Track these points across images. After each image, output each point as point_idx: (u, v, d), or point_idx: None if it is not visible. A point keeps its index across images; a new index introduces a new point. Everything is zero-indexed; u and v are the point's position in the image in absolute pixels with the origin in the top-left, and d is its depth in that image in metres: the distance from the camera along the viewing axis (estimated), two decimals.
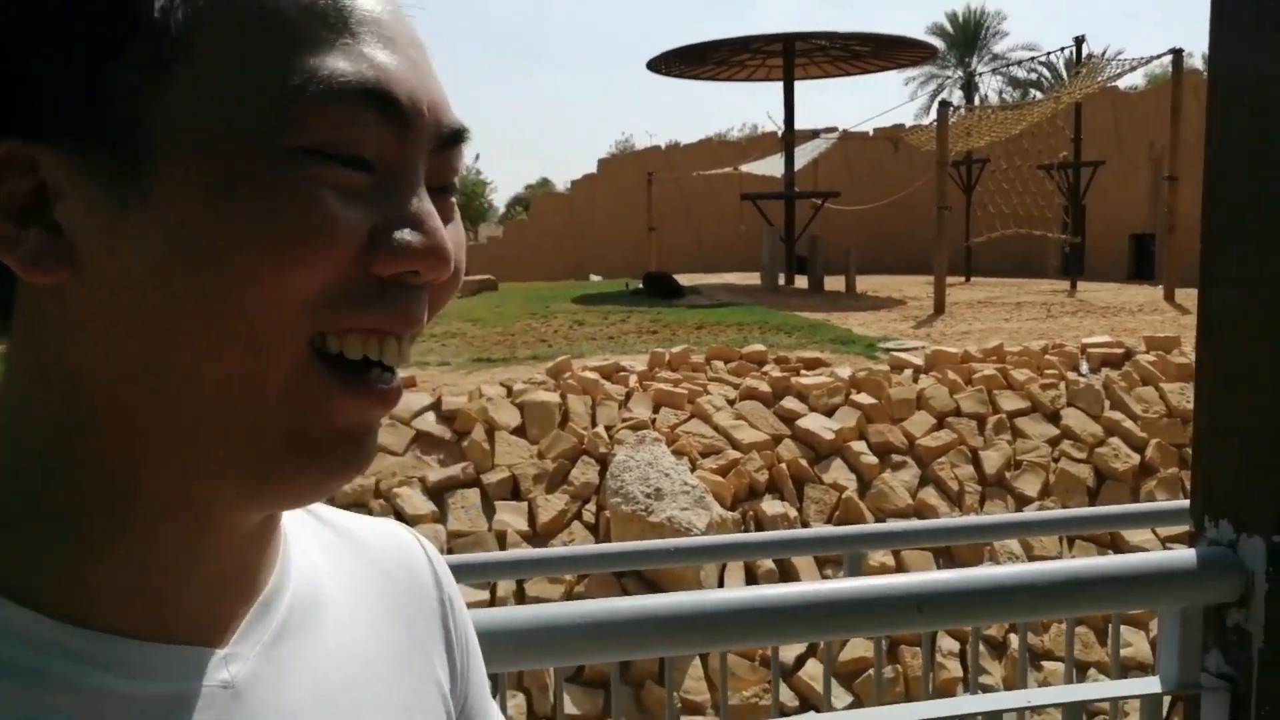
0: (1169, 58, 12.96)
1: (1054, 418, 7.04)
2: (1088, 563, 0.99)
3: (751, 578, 5.59)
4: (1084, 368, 7.50)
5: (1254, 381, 0.87)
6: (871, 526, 2.48)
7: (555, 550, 3.15)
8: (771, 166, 18.50)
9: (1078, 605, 0.93)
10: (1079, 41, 15.52)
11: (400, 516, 6.03)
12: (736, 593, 1.06)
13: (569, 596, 5.28)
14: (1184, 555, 0.91)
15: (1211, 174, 0.95)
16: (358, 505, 6.08)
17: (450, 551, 5.93)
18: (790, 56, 16.98)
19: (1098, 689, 1.10)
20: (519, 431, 6.61)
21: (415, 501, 6.09)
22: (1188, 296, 13.18)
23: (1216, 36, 0.96)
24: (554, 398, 6.82)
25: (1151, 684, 0.96)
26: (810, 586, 1.00)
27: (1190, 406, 6.08)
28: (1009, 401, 7.11)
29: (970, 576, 1.02)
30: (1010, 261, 19.98)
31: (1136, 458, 6.75)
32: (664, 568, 5.03)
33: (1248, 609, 0.89)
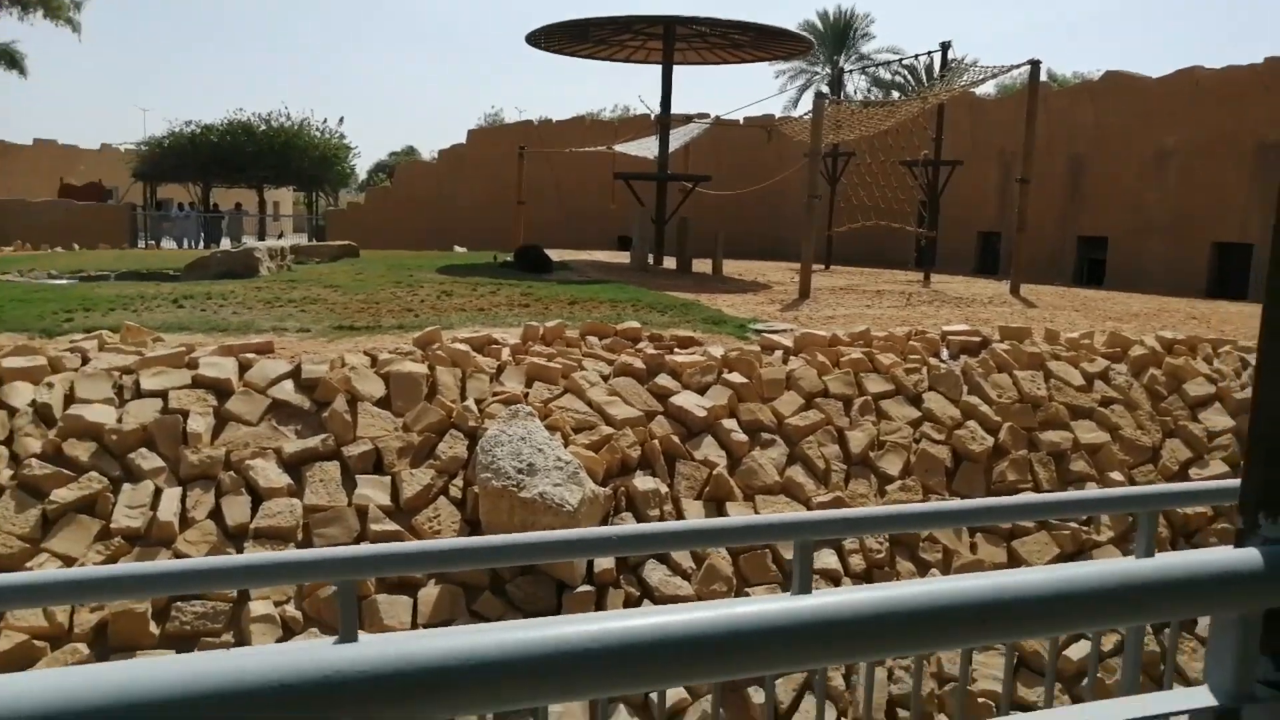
0: (1026, 67, 13.55)
1: (916, 400, 7.26)
2: (1142, 565, 0.87)
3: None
4: (945, 354, 7.77)
5: None
6: (825, 514, 2.30)
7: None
8: (644, 148, 18.47)
9: (1136, 614, 0.83)
10: (945, 46, 16.08)
11: (253, 490, 5.67)
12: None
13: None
14: (1248, 555, 0.83)
15: None
16: (205, 478, 5.68)
17: (308, 528, 5.61)
18: (670, 40, 17.02)
19: (1147, 703, 0.99)
20: (383, 403, 6.33)
21: (270, 474, 5.74)
22: (1032, 290, 13.93)
23: None
24: (421, 369, 6.56)
25: (1203, 695, 0.90)
26: (826, 598, 0.80)
27: (1041, 393, 6.27)
28: (874, 384, 7.29)
29: (1026, 581, 0.85)
30: (868, 251, 20.66)
31: (991, 440, 7.04)
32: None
33: None
